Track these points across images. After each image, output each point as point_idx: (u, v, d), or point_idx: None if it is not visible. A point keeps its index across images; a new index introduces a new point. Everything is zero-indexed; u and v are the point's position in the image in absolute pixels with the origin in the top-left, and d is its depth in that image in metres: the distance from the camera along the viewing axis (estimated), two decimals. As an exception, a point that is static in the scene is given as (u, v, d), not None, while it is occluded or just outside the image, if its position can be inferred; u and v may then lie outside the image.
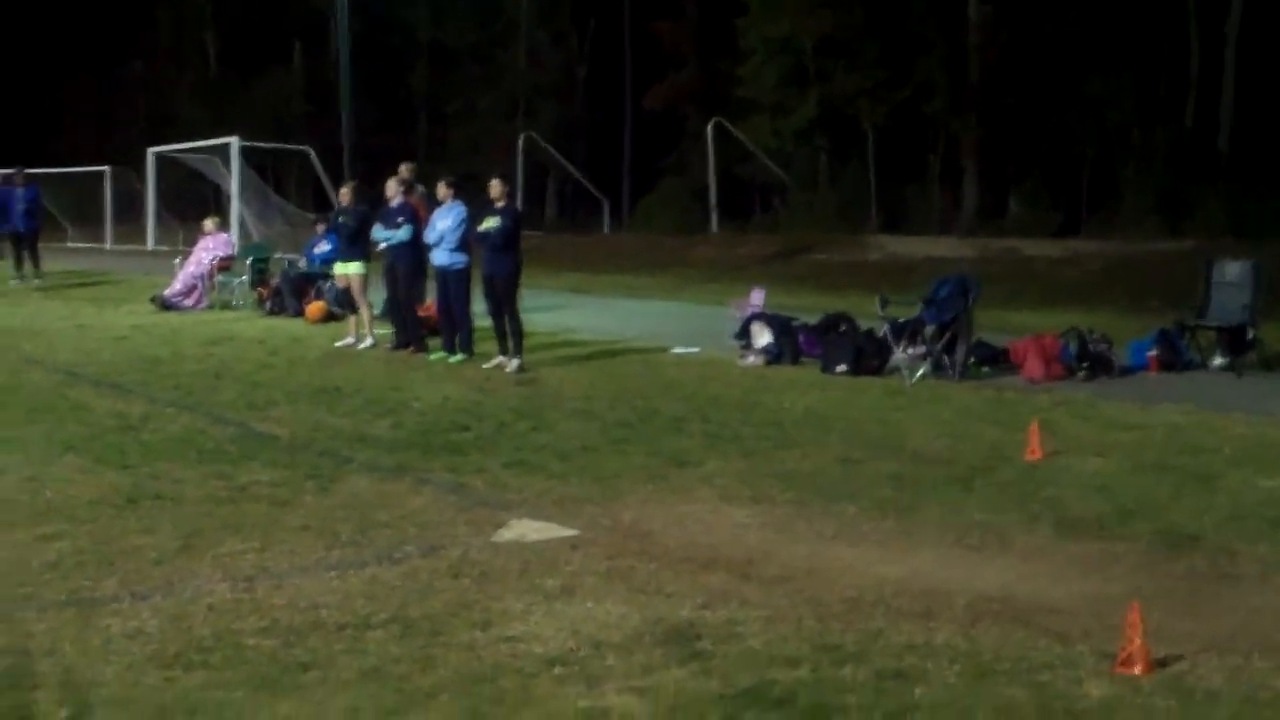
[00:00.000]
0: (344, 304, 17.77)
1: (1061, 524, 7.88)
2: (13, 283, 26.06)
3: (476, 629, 5.83)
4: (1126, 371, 14.73)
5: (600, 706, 4.96)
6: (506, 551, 7.16)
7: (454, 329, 15.61)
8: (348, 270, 17.04)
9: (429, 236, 15.47)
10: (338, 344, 16.78)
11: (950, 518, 8.05)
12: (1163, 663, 5.39)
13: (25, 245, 26.52)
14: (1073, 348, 14.58)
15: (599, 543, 7.35)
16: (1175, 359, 15.03)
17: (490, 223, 14.83)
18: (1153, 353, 14.94)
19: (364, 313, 16.96)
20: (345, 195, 17.75)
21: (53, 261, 29.14)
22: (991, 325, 16.57)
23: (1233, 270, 15.77)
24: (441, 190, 15.74)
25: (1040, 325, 16.74)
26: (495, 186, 15.06)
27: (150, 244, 41.22)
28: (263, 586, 6.43)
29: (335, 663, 5.39)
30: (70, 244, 45.27)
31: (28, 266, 26.48)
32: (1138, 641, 5.33)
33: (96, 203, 47.06)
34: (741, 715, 4.88)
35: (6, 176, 28.38)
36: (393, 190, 16.60)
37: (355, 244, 17.01)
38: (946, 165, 40.98)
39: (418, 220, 16.15)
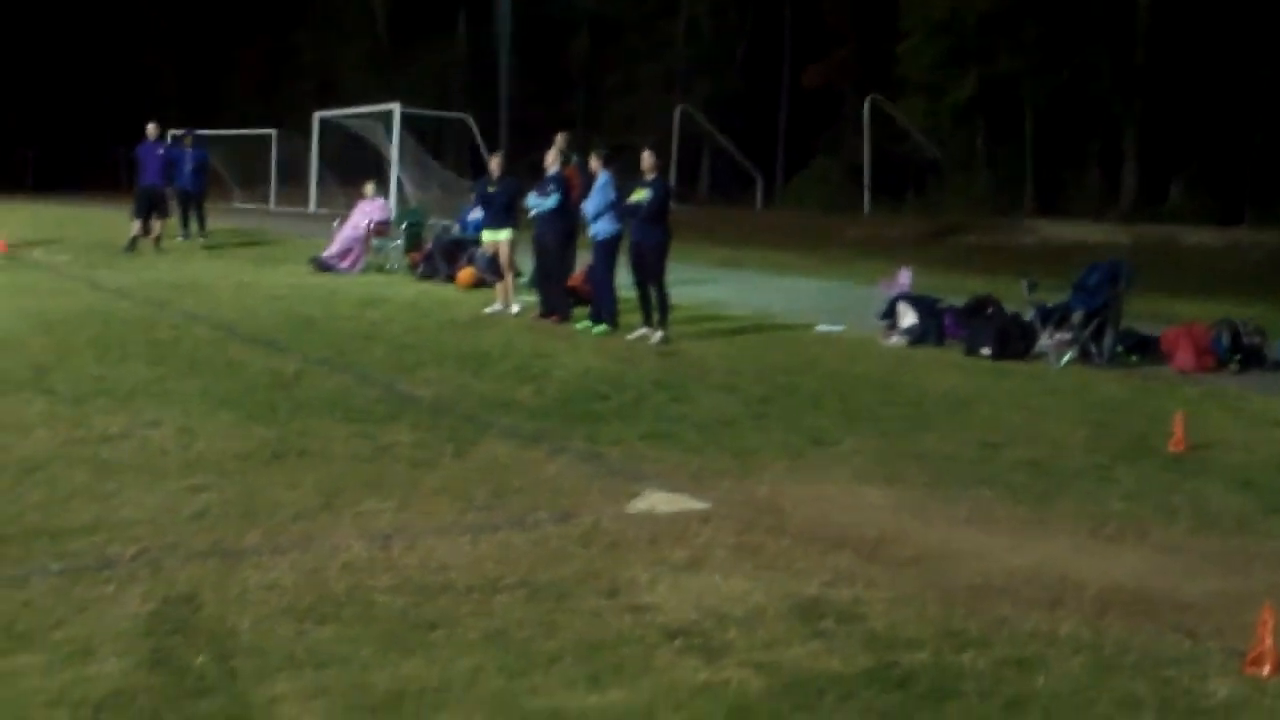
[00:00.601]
0: (493, 271, 18.00)
1: (1201, 518, 7.74)
2: (179, 240, 26.82)
3: (602, 597, 5.91)
4: (1280, 366, 14.38)
5: (719, 680, 5.00)
6: (637, 522, 7.23)
7: (600, 299, 15.74)
8: (497, 237, 17.28)
9: (589, 208, 15.61)
10: (487, 310, 17.02)
11: (1087, 507, 7.95)
12: (1293, 664, 5.29)
13: (192, 204, 27.27)
14: (1225, 339, 14.25)
15: (730, 517, 7.38)
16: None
17: (641, 194, 14.92)
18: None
19: (509, 280, 17.17)
20: (494, 165, 17.97)
21: (218, 221, 29.92)
22: (1144, 314, 16.25)
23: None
24: (593, 162, 15.87)
25: (1194, 315, 16.38)
26: (646, 158, 15.14)
27: (312, 206, 42.11)
28: (397, 545, 6.58)
29: (461, 623, 5.51)
30: (236, 204, 46.45)
31: (193, 225, 27.24)
32: (1268, 641, 5.24)
33: (262, 165, 48.18)
34: (859, 695, 4.89)
35: (176, 137, 29.20)
36: (551, 159, 16.75)
37: (505, 212, 17.23)
38: (1106, 149, 40.09)
39: (570, 190, 16.27)
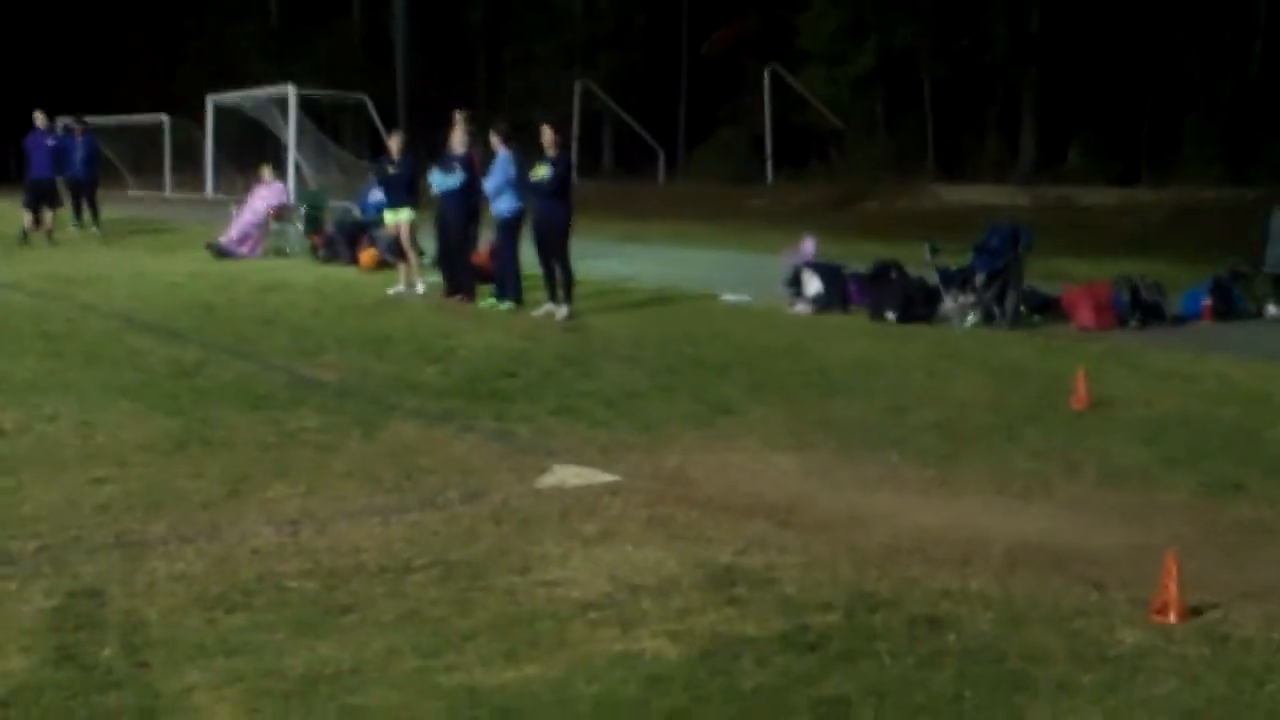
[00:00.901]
0: (395, 252, 17.86)
1: (1105, 473, 7.85)
2: (72, 230, 26.33)
3: (515, 574, 5.89)
4: (1180, 321, 14.64)
5: (634, 650, 5.01)
6: (548, 497, 7.22)
7: (504, 277, 15.68)
8: (397, 218, 17.16)
9: (489, 186, 15.51)
10: (390, 291, 16.89)
11: (994, 466, 8.04)
12: (1198, 611, 5.38)
13: (84, 193, 26.74)
14: (1125, 296, 14.48)
15: (640, 489, 7.39)
16: (1229, 308, 14.90)
17: (542, 171, 14.85)
18: (1207, 302, 14.82)
19: (412, 260, 17.06)
20: (394, 145, 17.82)
21: (112, 210, 29.39)
22: (1045, 274, 16.48)
23: (1290, 219, 15.58)
24: (493, 139, 15.77)
25: (1095, 274, 16.62)
26: (547, 134, 15.06)
27: (209, 192, 41.52)
28: (306, 530, 6.51)
29: (375, 605, 5.47)
30: (130, 192, 45.68)
31: (86, 215, 26.73)
32: (1172, 589, 5.33)
33: (156, 152, 47.41)
34: (774, 659, 4.91)
35: (66, 126, 28.62)
36: (458, 139, 16.53)
37: (405, 192, 17.12)
38: (1005, 114, 40.54)
39: (473, 168, 16.17)
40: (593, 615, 5.36)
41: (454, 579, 5.81)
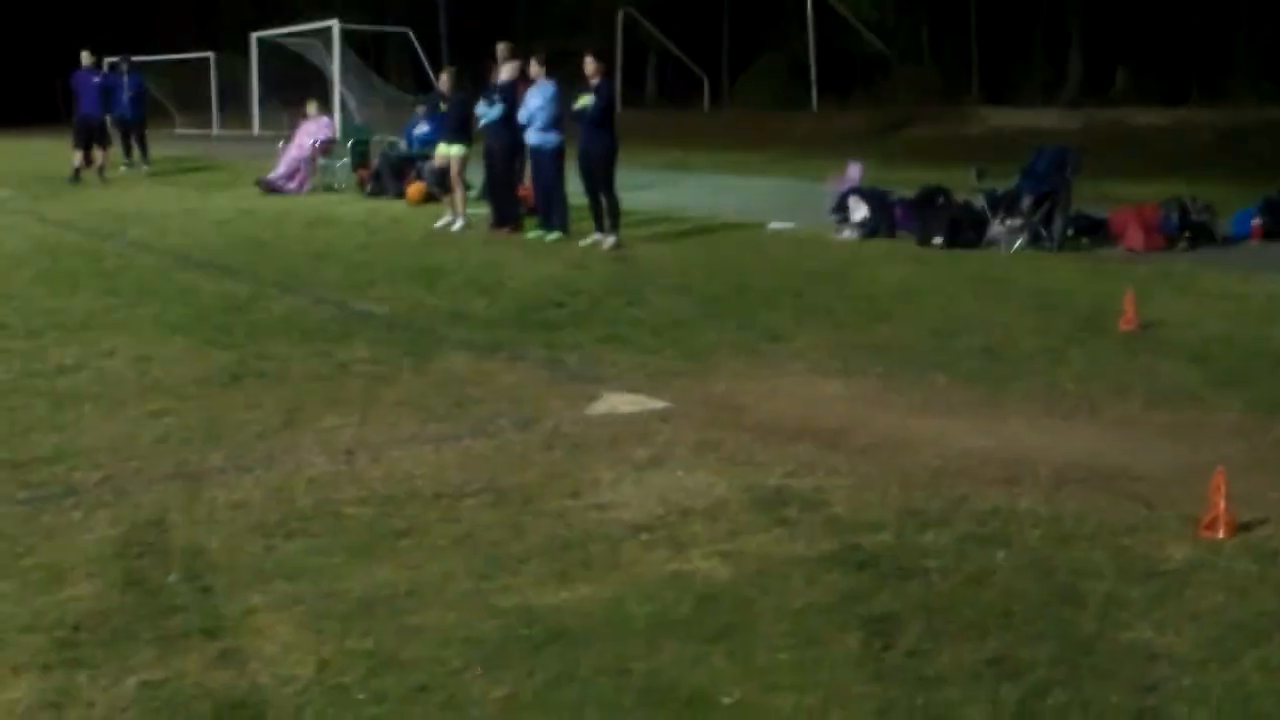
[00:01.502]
0: (442, 184, 17.90)
1: (1153, 394, 7.86)
2: (122, 169, 26.51)
3: (566, 498, 5.97)
4: (1230, 241, 14.53)
5: (686, 570, 5.09)
6: (598, 424, 7.29)
7: (550, 207, 15.71)
8: (450, 152, 17.17)
9: (521, 116, 15.51)
10: (436, 225, 16.95)
11: (1041, 388, 8.06)
12: (1247, 527, 5.41)
13: (133, 132, 26.89)
14: (1174, 217, 14.38)
15: (690, 415, 7.45)
16: (1278, 227, 14.76)
17: (585, 100, 14.83)
18: (1256, 221, 14.70)
19: (458, 194, 17.09)
20: (444, 81, 17.82)
21: (160, 148, 29.58)
22: (1093, 196, 16.35)
23: (1344, 135, 15.40)
24: (534, 68, 15.73)
25: (1144, 196, 16.48)
26: (589, 63, 15.02)
27: (255, 129, 41.60)
28: (361, 459, 6.61)
29: (430, 530, 5.57)
30: (178, 130, 45.89)
31: (136, 153, 26.90)
32: (1221, 506, 5.35)
33: (202, 89, 47.51)
34: (824, 578, 4.98)
35: (112, 65, 28.73)
36: (506, 70, 16.51)
37: (458, 127, 17.12)
38: (1051, 36, 40.05)
39: (515, 98, 16.16)
40: (644, 537, 5.44)
41: (507, 504, 5.90)
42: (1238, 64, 34.53)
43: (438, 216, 17.46)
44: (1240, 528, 5.38)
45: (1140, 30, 37.35)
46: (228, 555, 5.30)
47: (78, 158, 24.79)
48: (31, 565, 5.19)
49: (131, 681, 4.19)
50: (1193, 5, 36.35)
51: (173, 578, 5.06)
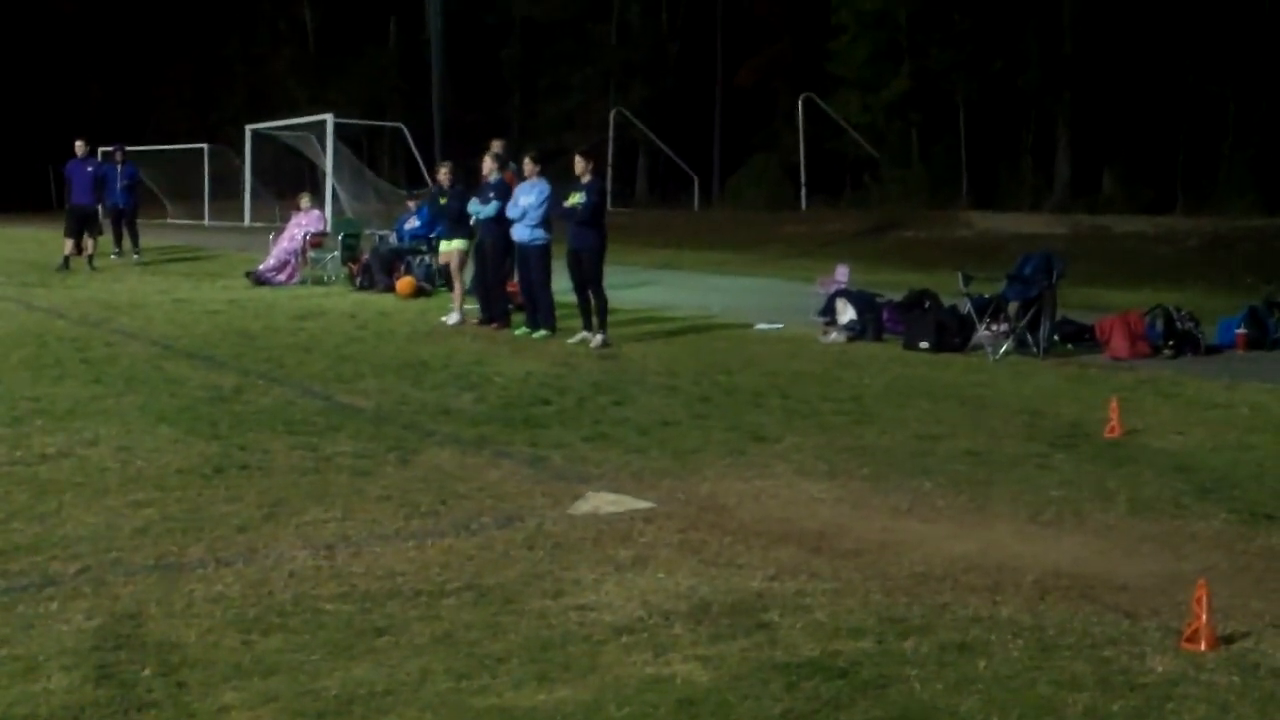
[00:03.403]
0: (445, 280, 17.95)
1: (1137, 502, 7.86)
2: (113, 258, 26.62)
3: (548, 598, 5.94)
4: (1214, 350, 14.59)
5: (665, 674, 5.05)
6: (582, 523, 7.27)
7: (536, 305, 15.77)
8: (451, 247, 17.31)
9: (511, 212, 15.61)
10: (446, 320, 16.86)
11: (1026, 494, 8.06)
12: (1229, 639, 5.39)
13: (125, 221, 27.05)
14: (1159, 325, 14.47)
15: (673, 515, 7.44)
16: (1264, 337, 14.85)
17: (575, 198, 14.95)
18: (1241, 330, 14.78)
19: (457, 288, 17.15)
20: (444, 175, 17.96)
21: (152, 238, 29.72)
22: (1080, 303, 16.48)
23: (1326, 247, 15.54)
24: (528, 166, 15.88)
25: (1129, 303, 16.58)
26: (579, 162, 15.18)
27: (247, 220, 41.81)
28: (342, 554, 6.59)
29: (409, 628, 5.53)
30: (170, 220, 46.08)
31: (127, 242, 27.03)
32: (1203, 618, 5.34)
33: (195, 180, 47.79)
34: (803, 685, 4.95)
35: (107, 154, 28.95)
36: (488, 166, 16.74)
37: (459, 222, 17.23)
38: (1039, 141, 40.52)
39: (509, 196, 16.28)
40: (625, 639, 5.41)
41: (487, 603, 5.87)
42: (1223, 173, 34.92)
43: (427, 310, 17.52)
44: (1222, 640, 5.36)
45: (1127, 137, 37.79)
46: (204, 650, 5.26)
47: (69, 246, 24.88)
48: (5, 656, 5.15)
49: (102, 779, 4.14)
50: (1180, 114, 36.82)
51: (147, 672, 5.01)
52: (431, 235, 20.40)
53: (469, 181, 17.93)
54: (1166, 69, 36.46)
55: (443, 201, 17.64)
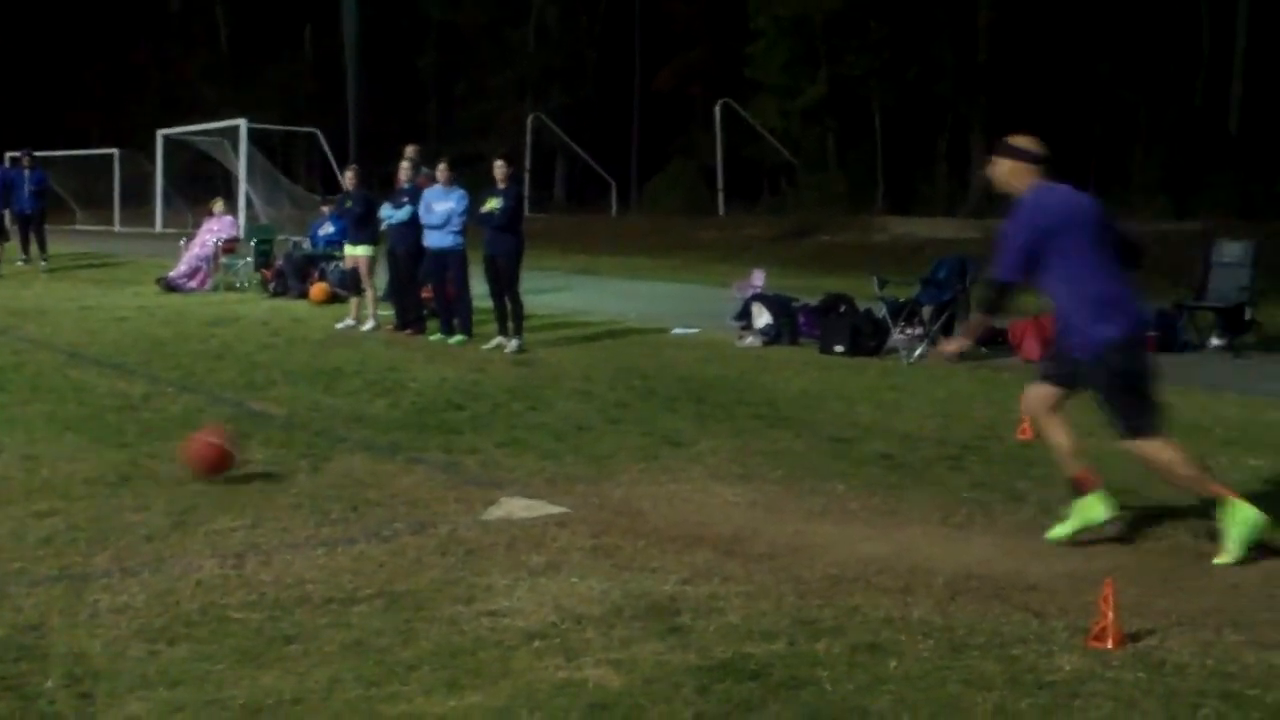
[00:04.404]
0: (349, 286, 17.84)
1: (1048, 502, 7.92)
2: (19, 264, 26.18)
3: (460, 604, 5.90)
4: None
5: (577, 679, 5.03)
6: (494, 529, 7.23)
7: (450, 310, 15.70)
8: (355, 252, 17.17)
9: (428, 218, 15.52)
10: (339, 325, 16.88)
11: (938, 496, 8.12)
12: (1135, 637, 5.45)
13: (32, 227, 26.60)
14: (1070, 328, 14.61)
15: (587, 520, 7.42)
16: (1172, 340, 15.06)
17: (493, 203, 14.90)
18: (1151, 334, 14.95)
19: (369, 295, 17.04)
20: (349, 178, 17.85)
21: (60, 244, 29.26)
22: (992, 306, 16.58)
23: (1232, 251, 15.83)
24: (441, 172, 15.79)
25: (1042, 307, 16.72)
26: (499, 167, 15.13)
27: (158, 226, 41.35)
28: (251, 562, 6.51)
29: (319, 636, 5.47)
30: (79, 226, 45.44)
31: (34, 248, 26.58)
32: (1110, 616, 5.39)
33: (105, 185, 47.20)
34: (715, 687, 4.94)
35: (14, 159, 28.49)
36: (405, 173, 16.66)
37: (362, 226, 17.11)
38: (954, 147, 40.94)
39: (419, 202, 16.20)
40: (537, 644, 5.38)
41: (398, 609, 5.82)
42: (1134, 177, 35.42)
43: (340, 317, 17.38)
44: (1129, 638, 5.42)
45: (1040, 141, 38.21)
46: (109, 661, 5.17)
47: (-26, 252, 24.46)
48: (-97, 671, 5.03)
49: (1, 793, 4.06)
50: (1091, 119, 37.33)
51: (51, 683, 4.92)
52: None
53: (384, 186, 17.83)
54: (1078, 76, 36.99)
55: (348, 205, 17.52)
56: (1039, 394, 7.19)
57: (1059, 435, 7.17)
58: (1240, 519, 6.70)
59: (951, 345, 6.98)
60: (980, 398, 11.86)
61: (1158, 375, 7.01)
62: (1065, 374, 7.12)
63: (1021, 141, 7.12)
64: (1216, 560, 6.67)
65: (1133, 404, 6.86)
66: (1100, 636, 5.40)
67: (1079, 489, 7.07)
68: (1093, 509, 7.00)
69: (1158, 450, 6.87)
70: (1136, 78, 36.24)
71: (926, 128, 41.25)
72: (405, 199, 16.25)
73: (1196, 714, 4.75)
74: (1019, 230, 6.89)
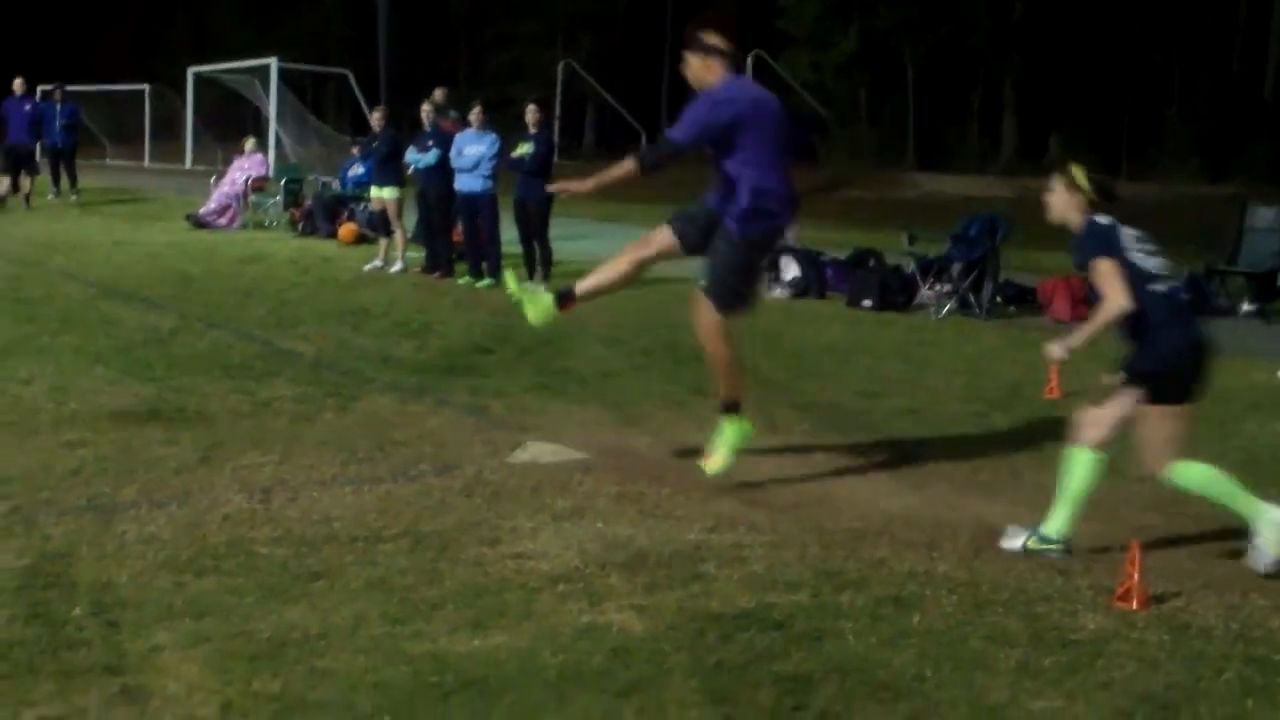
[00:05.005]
0: (377, 227, 17.83)
1: (1074, 462, 7.90)
2: (50, 197, 26.23)
3: (484, 545, 5.92)
4: (1152, 315, 14.68)
5: (600, 623, 5.04)
6: (520, 472, 7.25)
7: (479, 254, 15.68)
8: (381, 194, 17.16)
9: (458, 162, 15.49)
10: (367, 267, 16.88)
11: (964, 453, 8.11)
12: (1160, 599, 5.45)
13: (63, 161, 26.64)
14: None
15: (613, 467, 7.43)
16: (1203, 304, 14.94)
17: (524, 148, 14.87)
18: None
19: (397, 236, 17.03)
20: (377, 119, 17.82)
21: (90, 178, 29.28)
22: (1023, 265, 16.54)
23: (1265, 216, 15.71)
24: (475, 115, 15.74)
25: (1071, 266, 16.64)
26: (531, 112, 15.09)
27: (188, 163, 41.39)
28: (278, 498, 6.53)
29: (344, 573, 5.49)
30: (109, 161, 45.49)
31: (65, 182, 26.63)
32: (1136, 577, 5.39)
33: (136, 121, 47.20)
34: (738, 636, 4.95)
35: (46, 93, 28.50)
36: (427, 115, 16.64)
37: (388, 168, 17.08)
38: (986, 104, 40.65)
39: (448, 145, 16.15)
40: (561, 588, 5.40)
41: (423, 549, 5.84)
42: (1167, 140, 35.14)
43: (369, 258, 17.39)
44: (1154, 599, 5.41)
45: (1074, 103, 37.96)
46: (136, 591, 5.20)
47: (4, 185, 24.50)
48: (-68, 595, 5.07)
49: (29, 716, 4.10)
50: (1126, 81, 37.01)
51: (78, 612, 4.95)
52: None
53: (413, 129, 17.78)
54: (1114, 36, 36.62)
55: (374, 145, 17.49)
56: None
57: (729, 346, 7.42)
58: (737, 433, 7.17)
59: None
60: (1008, 356, 11.82)
61: (760, 281, 7.63)
62: (695, 231, 7.53)
63: (712, 39, 7.18)
64: (704, 466, 7.15)
65: (729, 282, 7.31)
66: (1125, 597, 5.40)
67: (730, 407, 7.33)
68: (744, 427, 7.31)
69: (713, 329, 7.34)
70: (1172, 40, 35.88)
71: (959, 84, 40.95)
72: (430, 142, 16.19)
73: (1220, 678, 4.75)
74: (709, 109, 7.16)
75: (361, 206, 20.60)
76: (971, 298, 14.26)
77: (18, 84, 25.43)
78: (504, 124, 16.46)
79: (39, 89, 29.26)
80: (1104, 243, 6.04)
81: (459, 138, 15.66)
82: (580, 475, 7.20)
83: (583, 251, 18.93)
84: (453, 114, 17.66)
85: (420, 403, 8.98)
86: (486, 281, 15.40)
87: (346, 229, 20.25)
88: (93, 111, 42.30)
